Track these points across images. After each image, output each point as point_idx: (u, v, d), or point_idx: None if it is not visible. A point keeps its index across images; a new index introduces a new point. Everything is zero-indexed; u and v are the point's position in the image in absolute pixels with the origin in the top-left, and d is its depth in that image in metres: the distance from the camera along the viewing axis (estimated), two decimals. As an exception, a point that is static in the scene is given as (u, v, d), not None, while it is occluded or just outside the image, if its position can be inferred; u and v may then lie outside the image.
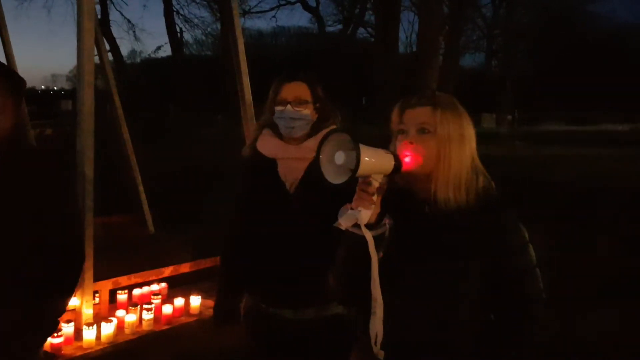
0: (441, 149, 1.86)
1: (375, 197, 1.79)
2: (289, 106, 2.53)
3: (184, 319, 4.33)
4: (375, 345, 1.86)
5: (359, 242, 1.81)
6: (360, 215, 1.78)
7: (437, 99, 1.91)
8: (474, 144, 1.94)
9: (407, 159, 1.82)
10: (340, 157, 1.70)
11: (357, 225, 1.80)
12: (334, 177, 1.70)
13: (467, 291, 1.87)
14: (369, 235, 1.80)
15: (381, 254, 1.84)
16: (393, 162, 1.78)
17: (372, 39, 35.12)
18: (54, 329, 2.60)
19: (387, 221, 1.86)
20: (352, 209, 1.81)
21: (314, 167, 2.52)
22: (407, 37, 38.72)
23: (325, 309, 2.59)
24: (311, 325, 2.59)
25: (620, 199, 10.70)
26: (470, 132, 1.93)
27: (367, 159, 1.66)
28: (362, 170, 1.65)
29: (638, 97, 33.22)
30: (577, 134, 27.52)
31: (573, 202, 10.25)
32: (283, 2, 39.15)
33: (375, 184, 1.78)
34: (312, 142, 2.55)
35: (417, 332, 1.91)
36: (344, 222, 1.81)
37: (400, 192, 1.92)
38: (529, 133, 28.24)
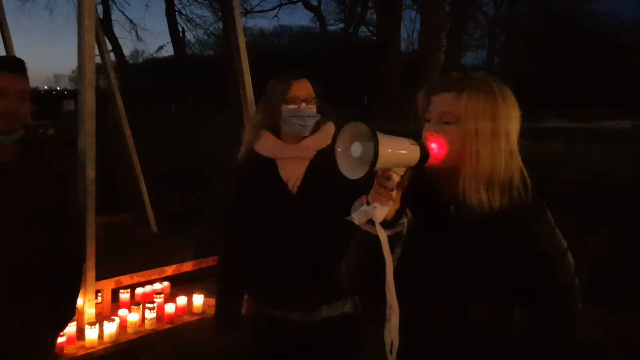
0: (467, 142, 1.64)
1: (394, 193, 1.59)
2: (303, 104, 2.51)
3: (186, 318, 4.34)
4: (391, 354, 1.68)
5: (372, 240, 1.62)
6: (375, 212, 1.60)
7: (465, 82, 1.68)
8: (513, 135, 1.70)
9: (434, 151, 1.63)
10: (357, 149, 1.53)
11: (371, 221, 1.61)
12: (350, 172, 1.53)
13: (490, 301, 1.72)
14: (383, 235, 1.60)
15: (399, 252, 1.68)
16: (418, 154, 1.58)
17: (374, 38, 35.14)
18: (66, 324, 2.66)
19: (405, 220, 1.66)
20: (367, 203, 1.62)
21: (315, 166, 2.54)
22: (409, 36, 38.72)
23: (333, 308, 2.57)
24: (319, 325, 2.56)
25: (623, 196, 10.67)
26: (508, 120, 1.68)
27: (388, 150, 1.49)
28: (381, 163, 1.48)
29: (640, 95, 33.18)
30: (579, 131, 27.42)
31: (575, 199, 10.21)
32: (285, 1, 39.06)
33: (396, 178, 1.58)
34: (312, 141, 2.54)
35: (433, 341, 1.76)
36: (357, 218, 1.62)
37: (428, 187, 1.74)
38: (531, 130, 28.10)
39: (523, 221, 1.69)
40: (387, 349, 1.68)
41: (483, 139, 1.64)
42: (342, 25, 42.08)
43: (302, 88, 2.55)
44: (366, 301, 2.53)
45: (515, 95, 1.74)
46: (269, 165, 2.56)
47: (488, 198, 1.65)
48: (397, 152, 1.55)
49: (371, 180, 1.61)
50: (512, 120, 1.69)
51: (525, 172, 1.72)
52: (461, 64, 27.68)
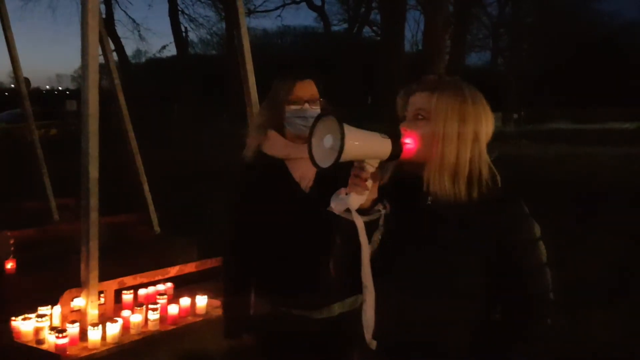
0: (435, 136, 1.78)
1: (369, 183, 1.74)
2: (307, 105, 2.53)
3: (190, 319, 4.32)
4: (368, 335, 1.82)
5: (351, 227, 1.77)
6: (349, 200, 1.74)
7: (437, 84, 1.83)
8: (481, 133, 1.83)
9: (408, 145, 1.77)
10: (328, 141, 1.67)
11: (349, 210, 1.76)
12: (322, 161, 1.67)
13: (464, 288, 1.80)
14: (359, 221, 1.75)
15: (378, 239, 1.82)
16: (389, 148, 1.72)
17: (378, 38, 35.14)
18: None
19: (381, 207, 1.81)
20: (347, 194, 1.76)
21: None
22: (413, 36, 38.66)
23: (346, 305, 2.61)
24: (336, 322, 2.60)
25: (627, 197, 10.65)
26: (476, 121, 1.81)
27: (355, 142, 1.62)
28: (349, 154, 1.61)
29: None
30: (583, 132, 27.44)
31: (579, 201, 10.20)
32: (288, 1, 39.15)
33: (370, 169, 1.73)
34: None
35: (412, 328, 1.83)
36: (335, 206, 1.78)
37: (408, 180, 1.86)
38: (535, 131, 28.18)
39: (494, 210, 1.79)
40: (365, 329, 1.82)
41: (449, 135, 1.78)
42: (345, 25, 42.20)
43: (306, 88, 2.56)
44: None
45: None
46: (279, 166, 2.56)
47: (453, 190, 1.77)
48: (365, 144, 1.68)
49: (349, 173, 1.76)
50: (481, 121, 1.82)
51: (494, 168, 1.83)
52: (466, 64, 27.68)
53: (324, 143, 1.68)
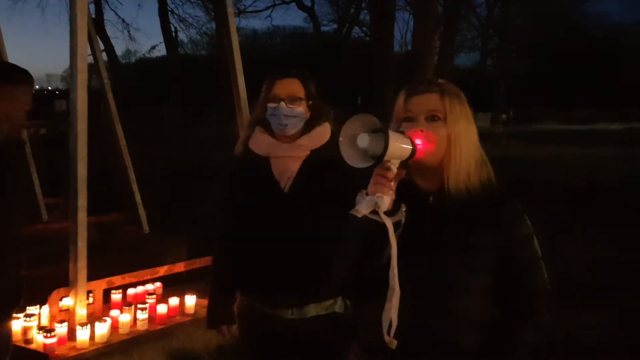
0: (452, 137, 1.82)
1: (393, 184, 1.74)
2: (282, 103, 2.50)
3: (178, 319, 4.32)
4: (388, 335, 1.79)
5: (375, 229, 1.75)
6: (381, 201, 1.72)
7: (444, 87, 1.88)
8: (476, 134, 1.90)
9: (419, 146, 1.76)
10: (364, 140, 1.64)
11: (374, 212, 1.73)
12: (356, 161, 1.65)
13: (469, 285, 1.83)
14: (389, 222, 1.73)
15: (397, 237, 1.79)
16: (411, 147, 1.73)
17: (367, 39, 35.16)
18: None
19: (403, 208, 1.80)
20: (367, 194, 1.74)
21: (308, 165, 2.54)
22: (402, 36, 38.79)
23: (322, 307, 2.58)
24: (308, 323, 2.57)
25: (614, 198, 10.71)
26: (473, 121, 1.90)
27: (396, 144, 1.62)
28: (388, 155, 1.61)
29: (631, 97, 33.34)
30: (571, 133, 27.54)
31: (567, 201, 10.25)
32: (278, 2, 39.12)
33: (394, 169, 1.73)
34: (306, 140, 2.54)
35: (420, 326, 1.85)
36: (362, 208, 1.73)
37: (403, 182, 1.85)
38: (524, 132, 28.26)
39: (493, 207, 1.85)
40: (385, 330, 1.78)
41: (465, 136, 1.85)
42: (335, 25, 42.21)
43: (286, 87, 2.54)
44: (356, 303, 2.53)
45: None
46: (263, 163, 2.57)
47: (467, 186, 1.83)
48: (400, 145, 1.69)
49: (368, 174, 1.73)
50: (474, 122, 1.92)
51: (489, 165, 1.90)
52: (455, 64, 27.77)
53: (358, 142, 1.65)
